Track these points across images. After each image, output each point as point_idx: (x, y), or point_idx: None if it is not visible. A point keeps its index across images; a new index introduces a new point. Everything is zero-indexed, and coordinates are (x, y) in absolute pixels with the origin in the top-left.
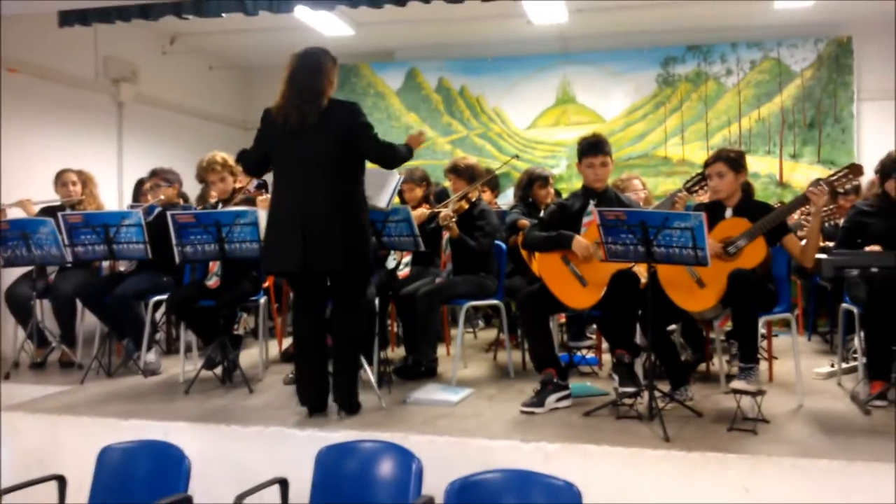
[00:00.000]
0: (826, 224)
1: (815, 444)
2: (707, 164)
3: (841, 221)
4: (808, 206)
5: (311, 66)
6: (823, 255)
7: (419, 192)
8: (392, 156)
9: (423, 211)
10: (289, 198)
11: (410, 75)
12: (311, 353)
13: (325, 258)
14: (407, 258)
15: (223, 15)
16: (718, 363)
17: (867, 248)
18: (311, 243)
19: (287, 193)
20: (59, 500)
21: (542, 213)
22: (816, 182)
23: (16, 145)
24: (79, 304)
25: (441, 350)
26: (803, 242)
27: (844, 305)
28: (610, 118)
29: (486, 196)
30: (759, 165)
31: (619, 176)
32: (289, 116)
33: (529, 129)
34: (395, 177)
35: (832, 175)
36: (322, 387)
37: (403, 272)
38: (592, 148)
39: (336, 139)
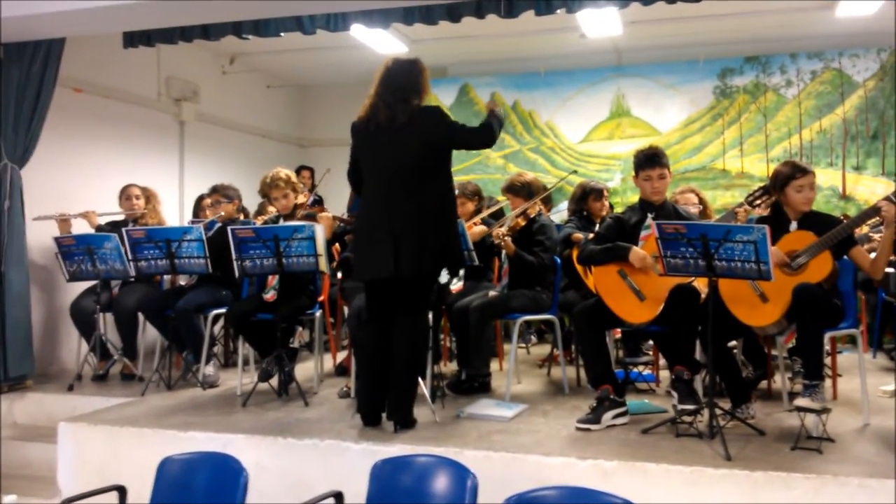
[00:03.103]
0: None
1: (883, 464)
2: (803, 171)
3: None
4: (876, 219)
5: (403, 68)
6: (890, 270)
7: (471, 206)
8: (488, 135)
9: (478, 229)
10: (377, 204)
11: (463, 91)
12: (376, 363)
13: (417, 262)
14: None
15: (281, 34)
16: (780, 380)
17: None
18: (402, 249)
19: (375, 200)
20: None
21: (596, 227)
22: (888, 197)
23: (82, 163)
24: (140, 317)
25: (494, 365)
26: (872, 255)
27: None
28: (665, 130)
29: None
30: (822, 178)
31: (676, 189)
32: (377, 115)
33: (583, 143)
34: None
35: None
36: (380, 399)
37: (456, 286)
38: (650, 160)
39: (422, 144)
